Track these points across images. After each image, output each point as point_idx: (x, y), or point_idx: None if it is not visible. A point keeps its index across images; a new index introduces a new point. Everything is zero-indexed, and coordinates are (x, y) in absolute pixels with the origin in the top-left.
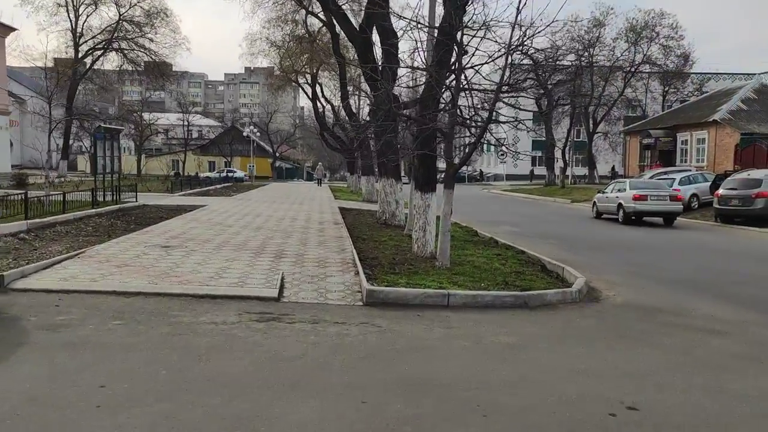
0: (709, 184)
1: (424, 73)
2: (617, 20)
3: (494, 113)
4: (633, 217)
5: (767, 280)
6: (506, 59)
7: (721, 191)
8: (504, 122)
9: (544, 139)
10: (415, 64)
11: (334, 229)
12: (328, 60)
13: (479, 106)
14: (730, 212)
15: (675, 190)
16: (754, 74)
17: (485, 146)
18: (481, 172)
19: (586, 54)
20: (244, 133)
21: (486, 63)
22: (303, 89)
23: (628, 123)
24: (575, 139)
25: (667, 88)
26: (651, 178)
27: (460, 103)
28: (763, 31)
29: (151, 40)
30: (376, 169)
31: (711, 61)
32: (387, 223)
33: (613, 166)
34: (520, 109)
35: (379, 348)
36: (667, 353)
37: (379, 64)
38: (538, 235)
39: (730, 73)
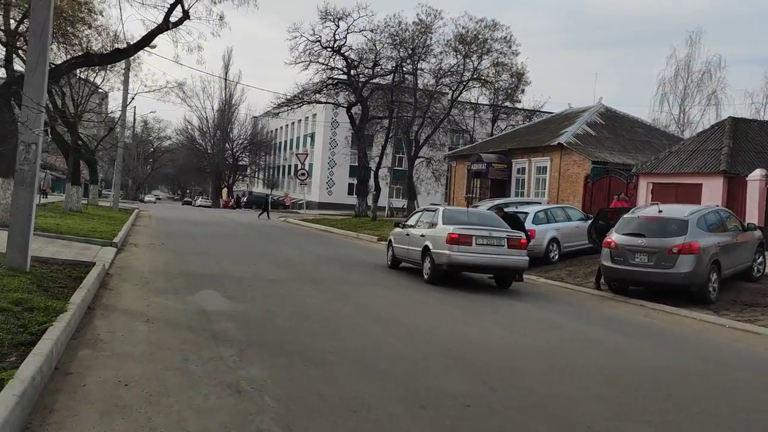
0: (574, 223)
1: None
2: (446, 29)
3: None
4: (447, 271)
5: None
6: None
7: (616, 238)
8: None
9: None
10: None
11: None
12: None
13: None
14: (634, 276)
15: (527, 231)
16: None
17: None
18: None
19: (410, 61)
20: None
21: None
22: None
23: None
24: (395, 167)
25: (497, 113)
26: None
27: None
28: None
29: None
30: None
31: (544, 86)
32: None
33: (416, 201)
34: None
35: None
36: None
37: None
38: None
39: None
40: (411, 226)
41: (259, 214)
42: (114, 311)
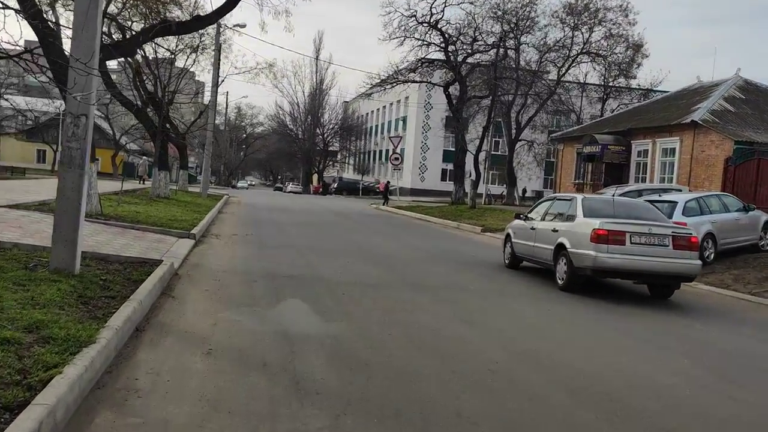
0: (732, 215)
1: None
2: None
3: None
4: (589, 276)
5: None
6: None
7: None
8: None
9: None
10: None
11: None
12: None
13: None
14: None
15: (678, 224)
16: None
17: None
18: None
19: (512, 36)
20: None
21: None
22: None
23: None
24: (492, 152)
25: (607, 92)
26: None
27: None
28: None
29: None
30: None
31: (657, 63)
32: None
33: (524, 188)
34: None
35: None
36: None
37: None
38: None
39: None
40: (537, 219)
41: (383, 203)
42: (168, 334)
